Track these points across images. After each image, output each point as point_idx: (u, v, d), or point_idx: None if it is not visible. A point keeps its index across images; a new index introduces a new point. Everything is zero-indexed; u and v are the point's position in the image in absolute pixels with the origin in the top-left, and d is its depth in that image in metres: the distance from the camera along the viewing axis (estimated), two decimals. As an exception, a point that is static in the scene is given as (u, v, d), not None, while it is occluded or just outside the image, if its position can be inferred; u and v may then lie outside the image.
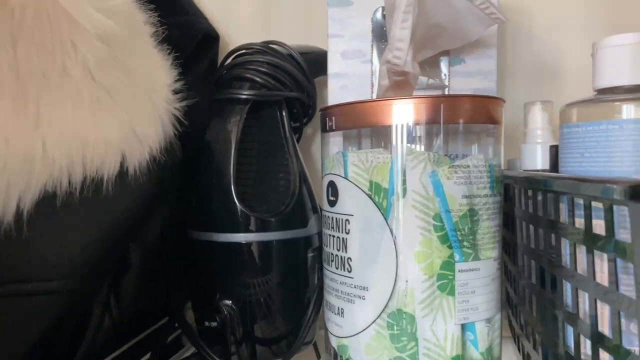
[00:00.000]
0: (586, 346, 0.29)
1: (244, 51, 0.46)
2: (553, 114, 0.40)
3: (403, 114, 0.32)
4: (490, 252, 0.33)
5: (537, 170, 0.40)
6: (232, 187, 0.41)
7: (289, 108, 0.46)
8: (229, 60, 0.46)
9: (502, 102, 0.35)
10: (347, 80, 0.45)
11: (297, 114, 0.47)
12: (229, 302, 0.41)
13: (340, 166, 0.34)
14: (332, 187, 0.35)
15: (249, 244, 0.41)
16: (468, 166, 0.32)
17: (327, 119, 0.36)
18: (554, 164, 0.37)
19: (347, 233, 0.34)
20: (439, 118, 0.32)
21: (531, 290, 0.36)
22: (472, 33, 0.37)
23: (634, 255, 0.23)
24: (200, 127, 0.43)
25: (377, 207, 0.32)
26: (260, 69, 0.44)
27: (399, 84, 0.36)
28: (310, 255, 0.44)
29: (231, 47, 0.46)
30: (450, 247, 0.32)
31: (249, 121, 0.43)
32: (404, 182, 0.32)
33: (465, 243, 0.32)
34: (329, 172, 0.36)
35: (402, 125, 0.32)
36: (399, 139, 0.32)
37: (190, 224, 0.43)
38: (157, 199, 0.36)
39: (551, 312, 0.32)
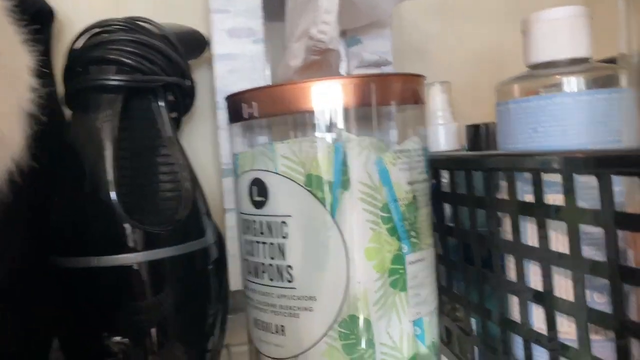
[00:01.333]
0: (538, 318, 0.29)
1: (100, 29, 0.37)
2: (451, 95, 0.40)
3: (336, 96, 0.28)
4: (429, 239, 0.32)
5: (446, 152, 0.40)
6: (112, 197, 0.32)
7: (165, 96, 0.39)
8: (81, 43, 0.37)
9: (424, 79, 0.33)
10: (236, 63, 0.39)
11: (176, 103, 0.40)
12: (119, 338, 0.33)
13: (268, 160, 0.29)
14: (258, 186, 0.30)
15: (139, 265, 0.33)
16: (409, 150, 0.30)
17: (243, 105, 0.30)
18: (477, 144, 0.37)
19: (285, 237, 0.29)
20: (371, 100, 0.29)
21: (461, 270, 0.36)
22: (382, 10, 0.35)
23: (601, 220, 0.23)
24: (58, 125, 0.34)
25: (321, 203, 0.28)
26: (127, 48, 0.36)
27: (316, 64, 0.32)
28: (210, 269, 0.38)
29: (71, 30, 0.37)
30: (398, 239, 0.29)
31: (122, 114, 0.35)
32: (345, 172, 0.28)
33: (412, 233, 0.30)
34: (249, 169, 0.30)
35: (336, 109, 0.28)
36: (334, 124, 0.28)
37: (55, 248, 0.33)
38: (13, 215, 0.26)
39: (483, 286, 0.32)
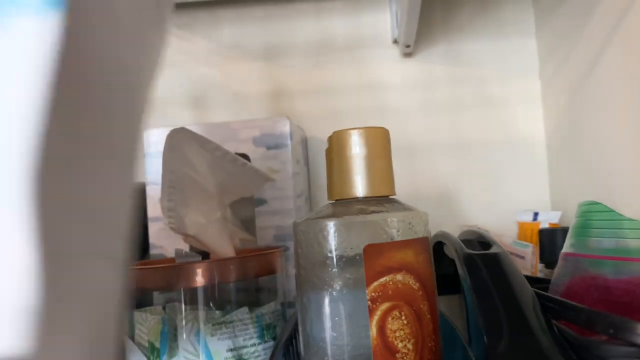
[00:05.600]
0: None
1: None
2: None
3: (186, 276, 0.36)
4: (263, 395, 0.36)
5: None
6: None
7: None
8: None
9: (281, 251, 0.39)
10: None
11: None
12: None
13: (132, 326, 0.37)
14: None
15: None
16: (232, 321, 0.36)
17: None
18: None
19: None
20: (226, 277, 0.36)
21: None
22: (251, 188, 0.42)
23: None
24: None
25: (151, 367, 0.35)
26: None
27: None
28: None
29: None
30: (218, 398, 0.35)
31: None
32: (173, 340, 0.35)
33: (232, 393, 0.35)
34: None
35: (183, 288, 0.36)
36: (181, 299, 0.35)
37: None
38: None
39: None
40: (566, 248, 0.28)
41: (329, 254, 0.23)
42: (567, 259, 0.27)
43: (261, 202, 0.48)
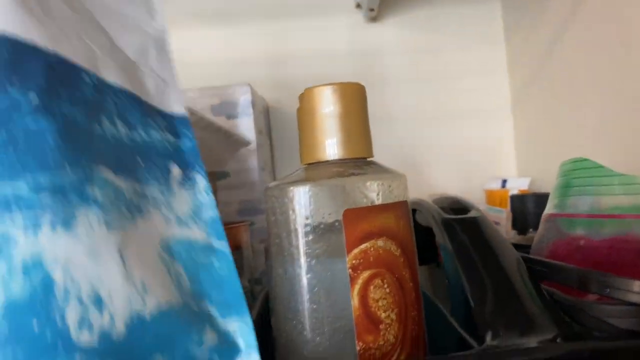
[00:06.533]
0: None
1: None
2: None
3: None
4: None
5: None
6: None
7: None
8: None
9: (247, 226, 0.37)
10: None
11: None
12: None
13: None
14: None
15: None
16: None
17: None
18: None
19: None
20: None
21: None
22: (225, 157, 0.40)
23: None
24: None
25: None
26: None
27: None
28: None
29: None
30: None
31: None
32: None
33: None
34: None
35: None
36: None
37: None
38: None
39: None
40: (549, 210, 0.27)
41: (306, 221, 0.21)
42: (550, 220, 0.26)
43: (223, 175, 0.46)
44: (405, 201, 0.24)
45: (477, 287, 0.23)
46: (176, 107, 0.25)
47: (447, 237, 0.27)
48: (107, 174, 0.20)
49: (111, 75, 0.22)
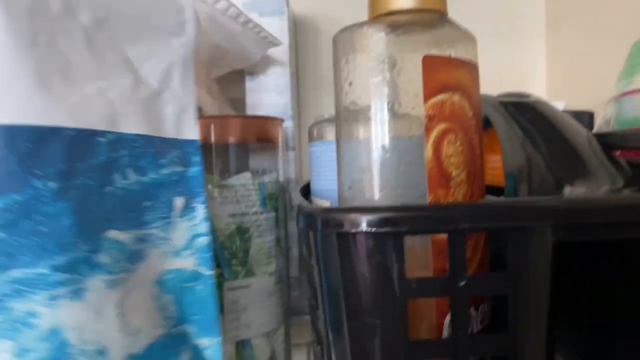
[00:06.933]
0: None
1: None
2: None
3: None
4: (265, 268, 0.34)
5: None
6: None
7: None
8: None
9: (280, 121, 0.36)
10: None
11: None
12: None
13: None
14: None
15: None
16: (234, 185, 0.33)
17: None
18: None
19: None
20: (209, 138, 0.32)
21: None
22: (253, 54, 0.38)
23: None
24: None
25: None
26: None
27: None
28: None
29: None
30: (218, 266, 0.32)
31: None
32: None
33: (234, 261, 0.32)
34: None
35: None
36: None
37: None
38: None
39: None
40: (619, 90, 0.26)
41: (383, 64, 0.20)
42: (622, 99, 0.25)
43: (252, 77, 0.44)
44: (477, 66, 0.23)
45: (551, 148, 0.22)
46: (189, 132, 0.26)
47: (511, 117, 0.26)
48: (114, 234, 0.22)
49: (129, 125, 0.23)
